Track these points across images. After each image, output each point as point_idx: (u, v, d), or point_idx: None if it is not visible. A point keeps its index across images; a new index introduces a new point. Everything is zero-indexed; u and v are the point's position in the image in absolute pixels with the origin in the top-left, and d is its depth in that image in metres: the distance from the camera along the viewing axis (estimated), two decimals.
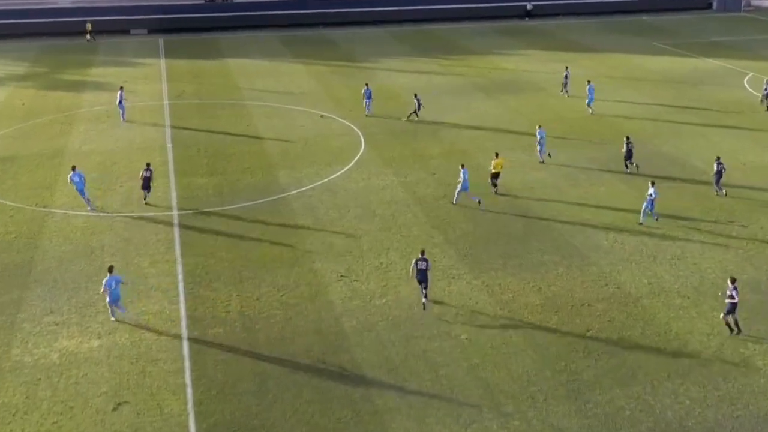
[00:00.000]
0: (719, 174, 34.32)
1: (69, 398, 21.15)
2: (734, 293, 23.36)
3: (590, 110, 46.78)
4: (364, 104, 46.54)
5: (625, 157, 36.93)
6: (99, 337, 23.80)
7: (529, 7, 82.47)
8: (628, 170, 36.91)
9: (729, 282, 23.63)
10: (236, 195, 34.65)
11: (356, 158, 39.23)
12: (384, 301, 25.80)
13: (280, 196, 34.59)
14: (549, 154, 38.74)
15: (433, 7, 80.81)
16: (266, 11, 77.82)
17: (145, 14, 75.19)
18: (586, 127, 44.06)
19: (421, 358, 22.77)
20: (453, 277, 27.31)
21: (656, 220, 31.45)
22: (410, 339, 23.69)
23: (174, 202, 33.90)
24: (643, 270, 27.87)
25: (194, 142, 41.99)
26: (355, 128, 44.15)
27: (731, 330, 23.85)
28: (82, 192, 32.93)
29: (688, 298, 26.01)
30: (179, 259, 28.64)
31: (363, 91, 46.77)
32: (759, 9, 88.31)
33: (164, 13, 75.53)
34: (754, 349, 23.14)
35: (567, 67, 52.31)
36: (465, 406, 20.78)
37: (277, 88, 53.53)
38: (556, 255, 28.93)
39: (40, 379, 21.96)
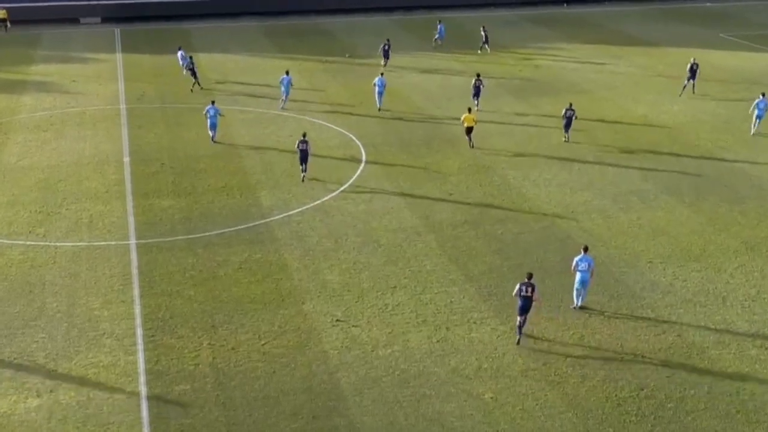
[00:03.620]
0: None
1: None
2: (519, 288, 25.96)
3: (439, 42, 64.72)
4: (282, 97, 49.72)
5: (564, 126, 43.68)
6: (38, 396, 23.82)
7: None
8: (565, 140, 43.64)
9: (526, 278, 26.28)
10: (208, 220, 34.81)
11: (356, 175, 39.42)
12: (389, 351, 25.83)
13: (263, 221, 34.74)
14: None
15: None
16: None
17: None
18: (640, 138, 44.28)
19: (435, 422, 22.75)
20: (474, 322, 27.34)
21: (575, 307, 28.02)
22: (421, 398, 23.69)
23: (132, 229, 34.04)
24: (710, 314, 27.87)
25: (157, 155, 42.26)
26: (354, 138, 44.42)
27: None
28: None
29: (767, 349, 25.98)
30: (137, 300, 28.72)
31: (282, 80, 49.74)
32: None
33: None
34: None
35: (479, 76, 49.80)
36: None
37: (259, 89, 53.90)
38: (602, 295, 28.96)
39: None
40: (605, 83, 54.80)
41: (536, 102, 50.73)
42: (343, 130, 45.68)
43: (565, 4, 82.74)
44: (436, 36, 65.67)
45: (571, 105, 44.07)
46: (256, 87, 54.30)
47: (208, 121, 43.60)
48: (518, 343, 26.01)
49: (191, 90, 53.09)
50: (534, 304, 25.97)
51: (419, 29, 71.41)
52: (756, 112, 45.00)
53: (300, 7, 78.64)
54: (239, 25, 73.82)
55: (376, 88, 48.96)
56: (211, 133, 43.77)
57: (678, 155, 41.93)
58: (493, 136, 44.52)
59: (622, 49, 64.49)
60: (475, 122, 42.49)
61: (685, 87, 51.78)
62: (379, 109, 48.82)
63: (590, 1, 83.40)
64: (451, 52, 63.51)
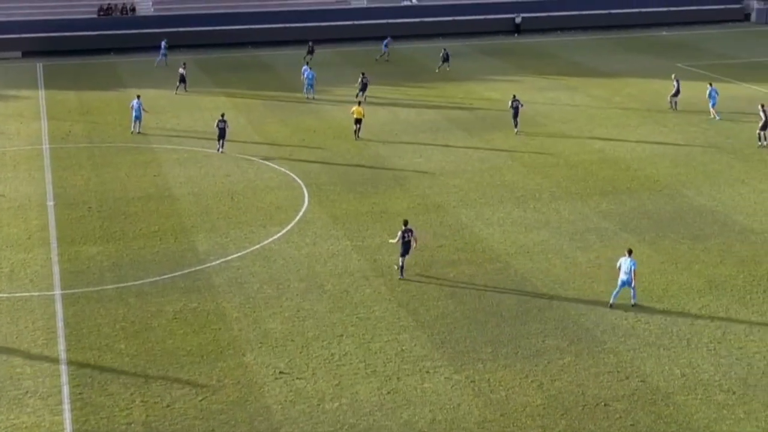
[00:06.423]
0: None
1: None
2: (401, 235, 32.51)
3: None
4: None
5: (512, 116, 51.41)
6: None
7: (517, 20, 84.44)
8: (516, 132, 51.11)
9: (403, 225, 32.82)
10: (139, 268, 34.51)
11: (298, 217, 39.42)
12: (336, 404, 25.71)
13: (199, 267, 34.53)
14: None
15: (397, 21, 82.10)
16: (179, 27, 78.44)
17: (17, 32, 75.36)
18: (597, 173, 44.91)
19: None
20: (427, 371, 27.33)
21: (610, 305, 31.18)
22: None
23: (56, 279, 33.63)
24: (675, 357, 28.19)
25: (84, 198, 41.89)
26: (295, 177, 44.46)
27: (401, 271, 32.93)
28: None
29: (734, 393, 26.32)
30: (63, 355, 28.31)
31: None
32: None
33: (44, 31, 75.78)
34: None
35: (362, 74, 59.98)
36: None
37: (194, 126, 53.80)
38: (561, 339, 29.17)
39: None
40: (560, 116, 55.61)
41: (488, 137, 51.28)
42: (284, 169, 45.71)
43: (515, 34, 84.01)
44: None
45: (515, 96, 52.01)
46: (191, 124, 54.19)
47: (133, 113, 51.47)
48: (402, 277, 32.91)
49: (186, 91, 61.40)
50: (413, 245, 32.81)
51: (363, 61, 71.80)
52: (710, 101, 54.52)
53: (238, 39, 78.74)
54: (171, 58, 73.60)
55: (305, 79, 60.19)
56: (133, 126, 51.60)
57: (637, 191, 42.59)
58: (444, 174, 44.87)
59: (578, 80, 65.59)
60: (363, 116, 50.48)
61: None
62: (309, 98, 59.67)
63: (541, 31, 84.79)
64: (398, 84, 64.07)
